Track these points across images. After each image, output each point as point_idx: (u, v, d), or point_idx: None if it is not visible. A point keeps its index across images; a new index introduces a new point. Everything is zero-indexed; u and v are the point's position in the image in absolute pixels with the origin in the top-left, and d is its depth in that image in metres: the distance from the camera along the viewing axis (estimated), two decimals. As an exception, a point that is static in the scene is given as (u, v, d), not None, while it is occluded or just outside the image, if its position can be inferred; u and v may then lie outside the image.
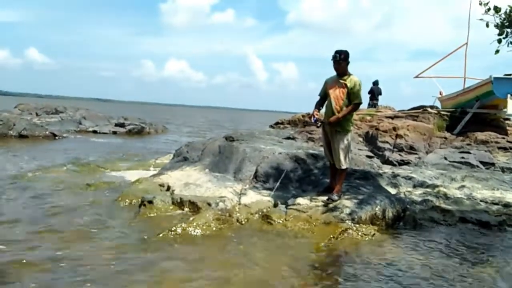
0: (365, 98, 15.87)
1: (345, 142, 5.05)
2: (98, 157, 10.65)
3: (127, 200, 5.71)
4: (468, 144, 8.71)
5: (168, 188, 5.92)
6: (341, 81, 4.99)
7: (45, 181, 7.06)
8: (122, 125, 20.14)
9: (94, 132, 18.51)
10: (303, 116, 18.39)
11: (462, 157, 7.82)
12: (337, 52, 4.94)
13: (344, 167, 5.10)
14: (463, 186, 6.27)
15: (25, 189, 6.38)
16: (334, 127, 5.05)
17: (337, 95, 5.00)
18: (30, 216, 4.97)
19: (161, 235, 4.34)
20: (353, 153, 7.95)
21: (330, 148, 5.17)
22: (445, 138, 9.30)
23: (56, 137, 14.83)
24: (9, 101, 45.30)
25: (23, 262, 3.60)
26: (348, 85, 4.94)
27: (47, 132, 14.87)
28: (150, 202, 5.25)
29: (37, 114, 20.93)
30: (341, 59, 4.93)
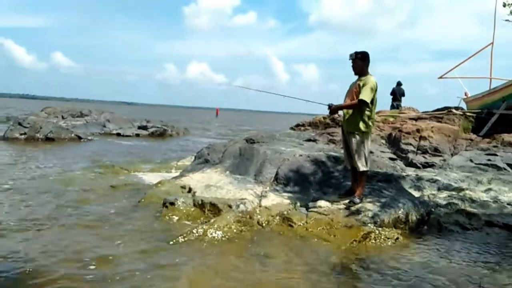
0: (387, 99, 15.65)
1: (361, 143, 4.97)
2: (121, 159, 10.85)
3: (149, 201, 5.80)
4: (494, 146, 8.46)
5: (190, 190, 5.98)
6: (358, 81, 4.98)
7: (69, 182, 7.23)
8: (145, 127, 20.46)
9: (118, 134, 18.85)
10: (324, 118, 18.27)
11: (489, 159, 7.61)
12: (353, 52, 4.98)
13: (362, 169, 5.01)
14: (489, 189, 6.10)
15: (50, 190, 6.54)
16: (348, 128, 5.04)
17: (350, 94, 5.01)
18: (54, 217, 5.09)
19: (182, 236, 4.37)
20: (375, 155, 7.86)
21: (349, 150, 5.12)
22: (471, 140, 9.08)
23: (81, 140, 15.18)
24: (36, 105, 46.65)
25: (47, 260, 3.70)
26: (361, 84, 4.91)
27: (72, 135, 15.24)
28: (172, 204, 5.31)
29: (63, 117, 21.44)
30: (357, 58, 4.94)
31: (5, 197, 5.97)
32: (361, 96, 4.83)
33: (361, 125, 4.94)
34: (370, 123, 5.01)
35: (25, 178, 7.47)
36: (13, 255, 3.81)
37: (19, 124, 14.59)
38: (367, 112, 4.93)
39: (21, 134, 14.07)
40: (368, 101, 4.83)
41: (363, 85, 4.88)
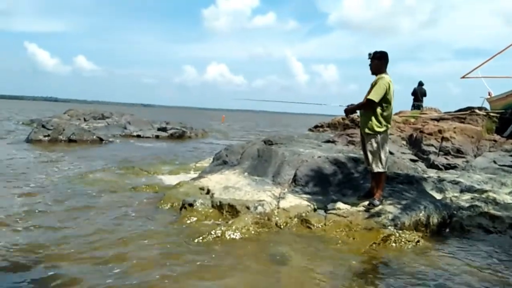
0: (408, 99, 15.41)
1: (374, 144, 4.91)
2: (141, 160, 10.99)
3: (169, 202, 5.85)
4: (519, 147, 8.24)
5: (208, 192, 6.01)
6: (372, 81, 4.97)
7: (91, 183, 7.37)
8: (164, 129, 20.68)
9: (138, 136, 19.10)
10: (343, 119, 18.09)
11: (513, 161, 7.41)
12: (372, 51, 5.00)
13: (376, 170, 4.95)
14: (514, 192, 5.94)
15: (72, 191, 6.68)
16: (362, 129, 5.04)
17: (366, 94, 5.00)
18: (76, 217, 5.19)
19: (201, 237, 4.40)
20: (395, 157, 7.74)
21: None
22: (495, 140, 8.86)
23: (103, 141, 15.45)
24: (59, 107, 47.72)
25: (68, 259, 3.77)
26: (373, 83, 4.90)
27: (94, 137, 15.53)
28: (191, 205, 5.35)
29: (85, 120, 21.88)
30: (374, 57, 4.94)
31: (29, 197, 6.12)
32: (369, 96, 4.82)
33: (375, 125, 4.88)
34: (385, 123, 4.93)
35: (48, 179, 7.64)
36: (30, 250, 3.91)
37: (43, 126, 14.96)
38: (380, 111, 4.87)
39: (44, 136, 14.41)
40: (376, 100, 4.78)
41: (374, 84, 4.87)
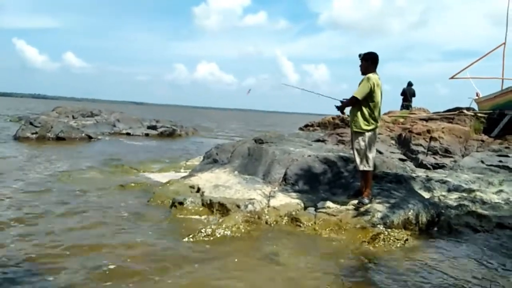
0: (398, 100, 15.53)
1: (361, 142, 4.97)
2: (131, 158, 10.91)
3: (158, 201, 5.83)
4: (506, 147, 8.35)
5: (198, 190, 5.99)
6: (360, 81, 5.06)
7: (80, 181, 7.30)
8: (154, 127, 20.56)
9: (128, 134, 18.96)
10: (333, 118, 18.16)
11: (500, 161, 7.51)
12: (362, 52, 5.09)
13: (361, 168, 5.01)
14: (501, 191, 6.02)
15: (61, 189, 6.61)
16: (351, 127, 5.12)
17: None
18: (64, 216, 5.15)
19: (191, 236, 4.39)
20: (384, 156, 7.80)
21: None
22: (482, 141, 8.97)
23: (91, 139, 15.31)
24: (47, 104, 47.14)
25: (57, 256, 3.74)
26: (360, 82, 4.99)
27: (83, 135, 15.37)
28: (181, 203, 5.34)
29: (73, 117, 21.62)
30: (364, 58, 5.04)
31: (16, 196, 6.03)
32: (353, 93, 4.93)
33: (362, 123, 4.95)
34: (373, 121, 4.98)
35: (35, 177, 7.54)
36: (21, 251, 3.86)
37: (31, 123, 14.75)
38: (367, 110, 4.93)
39: (32, 134, 14.22)
40: (359, 97, 4.87)
41: (360, 83, 4.96)
